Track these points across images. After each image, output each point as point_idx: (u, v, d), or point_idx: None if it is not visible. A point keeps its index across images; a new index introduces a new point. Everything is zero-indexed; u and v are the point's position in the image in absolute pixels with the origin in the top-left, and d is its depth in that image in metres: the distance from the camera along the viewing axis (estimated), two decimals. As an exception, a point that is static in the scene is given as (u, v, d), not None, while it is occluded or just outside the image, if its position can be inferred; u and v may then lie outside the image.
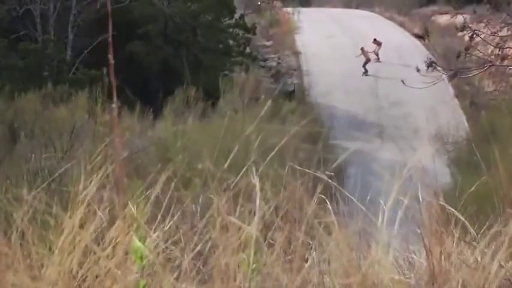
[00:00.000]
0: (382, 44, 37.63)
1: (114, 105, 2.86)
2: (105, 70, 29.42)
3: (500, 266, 3.06)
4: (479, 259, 3.31)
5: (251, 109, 28.03)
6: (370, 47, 37.82)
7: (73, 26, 31.47)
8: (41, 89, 27.44)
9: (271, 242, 3.00)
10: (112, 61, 2.78)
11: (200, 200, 3.34)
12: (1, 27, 30.50)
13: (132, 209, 2.74)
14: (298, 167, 3.35)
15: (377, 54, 37.71)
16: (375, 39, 38.15)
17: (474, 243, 3.59)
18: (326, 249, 3.02)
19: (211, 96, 29.20)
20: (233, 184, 3.01)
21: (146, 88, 31.02)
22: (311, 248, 3.10)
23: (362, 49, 36.79)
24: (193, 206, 3.27)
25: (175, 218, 3.02)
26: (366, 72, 36.40)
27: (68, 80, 29.30)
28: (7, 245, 2.85)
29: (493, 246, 3.31)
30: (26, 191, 3.02)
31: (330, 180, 3.36)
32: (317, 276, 3.03)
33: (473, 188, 4.88)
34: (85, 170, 2.97)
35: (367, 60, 36.57)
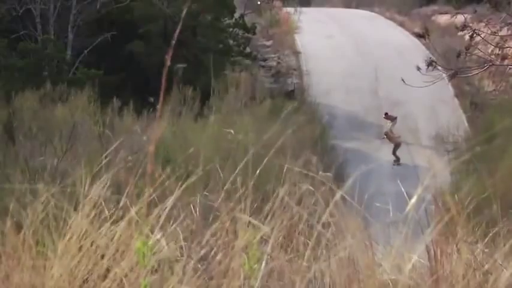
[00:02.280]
0: (397, 117, 30.20)
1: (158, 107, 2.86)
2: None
3: (504, 268, 3.06)
4: (480, 259, 3.30)
5: (249, 109, 28.04)
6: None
7: (73, 26, 31.47)
8: (41, 89, 27.45)
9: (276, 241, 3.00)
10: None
11: (204, 201, 3.34)
12: (1, 27, 30.49)
13: (133, 211, 2.74)
14: (299, 168, 3.35)
15: (391, 132, 30.02)
16: (386, 114, 30.73)
17: (475, 243, 3.59)
18: (329, 249, 3.02)
19: (211, 96, 29.19)
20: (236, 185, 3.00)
21: (146, 88, 31.01)
22: (314, 248, 3.09)
23: (386, 134, 29.48)
24: (198, 206, 3.27)
25: (181, 218, 3.02)
26: (397, 161, 28.43)
27: (67, 79, 29.30)
28: (14, 244, 2.86)
29: (494, 247, 3.30)
30: (42, 188, 3.02)
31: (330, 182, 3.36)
32: (320, 275, 3.03)
33: (472, 188, 4.87)
34: (89, 171, 2.97)
35: (397, 145, 28.85)
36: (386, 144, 30.24)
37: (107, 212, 2.88)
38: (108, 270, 2.75)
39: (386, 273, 3.05)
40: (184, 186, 2.90)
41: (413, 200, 3.04)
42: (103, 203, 2.98)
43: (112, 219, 2.86)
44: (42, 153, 19.95)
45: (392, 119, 30.29)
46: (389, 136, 29.35)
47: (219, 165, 3.18)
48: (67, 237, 2.79)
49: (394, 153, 28.64)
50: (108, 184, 2.95)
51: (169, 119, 26.47)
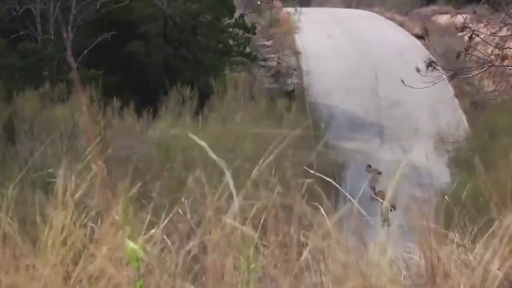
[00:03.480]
0: (382, 172, 24.42)
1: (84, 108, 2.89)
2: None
3: (499, 266, 3.05)
4: (478, 259, 3.30)
5: (249, 108, 28.05)
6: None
7: (73, 26, 31.46)
8: (41, 89, 27.46)
9: (267, 242, 3.00)
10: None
11: (194, 201, 3.34)
12: (1, 27, 30.49)
13: (118, 211, 2.74)
14: (297, 168, 3.35)
15: (373, 189, 22.72)
16: (369, 166, 25.72)
17: (472, 243, 3.59)
18: (323, 250, 3.02)
19: (210, 96, 29.21)
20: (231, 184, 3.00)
21: (146, 88, 31.01)
22: (307, 248, 3.09)
23: (380, 193, 22.39)
24: (188, 206, 3.27)
25: (170, 218, 3.02)
26: (386, 222, 22.00)
27: (67, 79, 29.29)
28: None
29: (492, 246, 3.30)
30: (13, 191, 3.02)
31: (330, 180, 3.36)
32: (313, 276, 3.03)
33: (472, 188, 4.87)
34: (75, 168, 2.96)
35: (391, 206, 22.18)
36: (385, 144, 30.24)
37: (89, 209, 2.88)
38: (97, 270, 2.74)
39: (383, 272, 3.05)
40: (174, 181, 2.90)
41: (389, 194, 3.04)
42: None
43: (96, 217, 2.86)
44: (42, 153, 19.97)
45: (376, 173, 25.04)
46: (382, 195, 22.58)
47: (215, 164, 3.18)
48: (50, 238, 2.78)
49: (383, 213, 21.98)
50: (92, 182, 2.95)
51: (169, 119, 26.51)
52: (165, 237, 2.85)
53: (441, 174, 24.92)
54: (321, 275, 3.07)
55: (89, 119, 3.11)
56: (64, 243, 2.77)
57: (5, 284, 2.70)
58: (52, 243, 2.75)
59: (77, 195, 2.86)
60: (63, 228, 2.76)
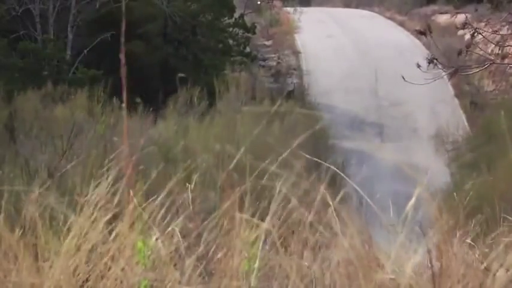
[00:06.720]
0: None
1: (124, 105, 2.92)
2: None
3: (505, 268, 3.05)
4: (481, 259, 3.30)
5: (248, 108, 28.05)
6: None
7: (73, 26, 31.46)
8: (41, 89, 27.47)
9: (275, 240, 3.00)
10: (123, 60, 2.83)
11: (204, 199, 3.34)
12: (0, 27, 30.48)
13: (137, 208, 2.74)
14: (298, 166, 3.34)
15: None
16: None
17: (475, 243, 3.59)
18: (330, 248, 3.02)
19: (211, 96, 29.22)
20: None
21: (146, 88, 31.00)
22: (315, 246, 3.09)
23: None
24: (198, 205, 3.27)
25: (180, 218, 3.02)
26: None
27: (67, 79, 29.30)
28: (12, 241, 2.85)
29: (494, 246, 3.30)
30: (36, 188, 3.02)
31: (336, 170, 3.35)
32: (321, 274, 3.03)
33: (472, 188, 4.87)
34: (89, 170, 2.97)
35: None
36: (386, 144, 30.26)
37: (108, 211, 2.88)
38: (108, 269, 2.74)
39: (387, 273, 3.05)
40: (181, 181, 2.90)
41: (413, 201, 3.03)
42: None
43: (109, 217, 2.86)
44: (42, 153, 19.96)
45: None
46: None
47: (217, 163, 3.18)
48: (68, 238, 2.78)
49: None
50: (110, 183, 2.95)
51: (173, 119, 26.52)
52: (180, 236, 2.85)
53: (441, 173, 24.93)
54: (326, 273, 3.07)
55: (127, 119, 3.13)
56: (78, 244, 2.77)
57: (14, 283, 2.71)
58: (67, 244, 2.76)
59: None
60: (81, 231, 2.77)
